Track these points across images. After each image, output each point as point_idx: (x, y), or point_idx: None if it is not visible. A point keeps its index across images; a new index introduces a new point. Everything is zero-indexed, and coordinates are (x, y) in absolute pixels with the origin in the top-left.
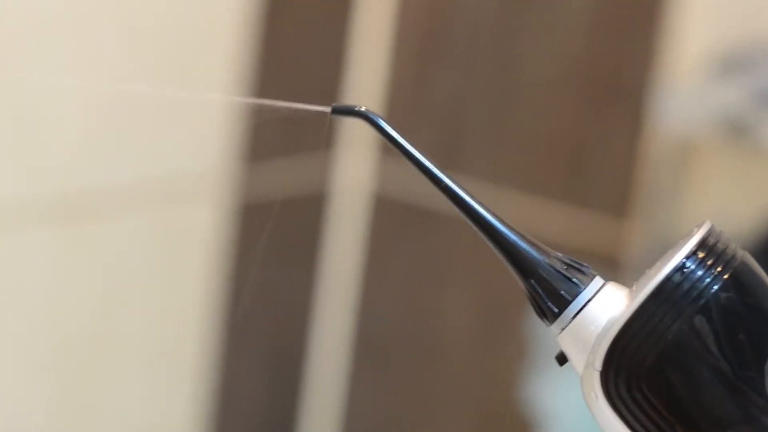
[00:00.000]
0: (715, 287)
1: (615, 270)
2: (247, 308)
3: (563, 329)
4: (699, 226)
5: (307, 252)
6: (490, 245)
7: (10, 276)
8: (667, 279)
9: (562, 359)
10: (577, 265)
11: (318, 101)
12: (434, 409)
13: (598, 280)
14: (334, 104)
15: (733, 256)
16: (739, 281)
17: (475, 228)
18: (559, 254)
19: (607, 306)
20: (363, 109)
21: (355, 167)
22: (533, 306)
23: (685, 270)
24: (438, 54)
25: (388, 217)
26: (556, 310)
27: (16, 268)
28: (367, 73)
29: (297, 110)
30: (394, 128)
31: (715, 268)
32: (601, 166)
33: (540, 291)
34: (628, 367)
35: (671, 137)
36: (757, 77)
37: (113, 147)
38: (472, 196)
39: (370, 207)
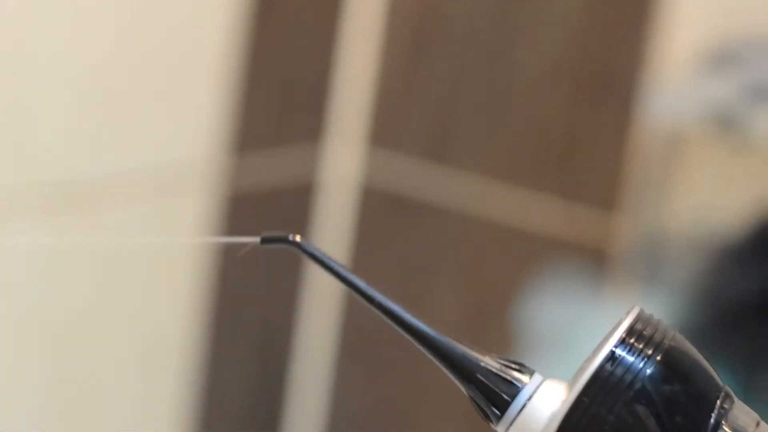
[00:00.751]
0: (648, 371)
1: (603, 263)
2: (234, 298)
3: (507, 430)
4: (627, 313)
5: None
6: (428, 355)
7: (1, 266)
8: (600, 369)
9: None
10: (514, 365)
11: (308, 97)
12: (421, 399)
13: (536, 377)
14: (263, 234)
15: (663, 338)
16: (672, 362)
17: (412, 340)
18: (496, 356)
19: (547, 402)
20: (292, 237)
21: (343, 158)
22: (476, 410)
23: (616, 358)
24: (429, 47)
25: (377, 209)
26: (498, 412)
27: (7, 257)
28: (358, 66)
29: (228, 243)
30: (323, 253)
31: (646, 352)
32: (590, 159)
33: (481, 395)
34: None
35: (660, 131)
36: (746, 72)
37: (104, 137)
38: (405, 311)
39: (359, 198)
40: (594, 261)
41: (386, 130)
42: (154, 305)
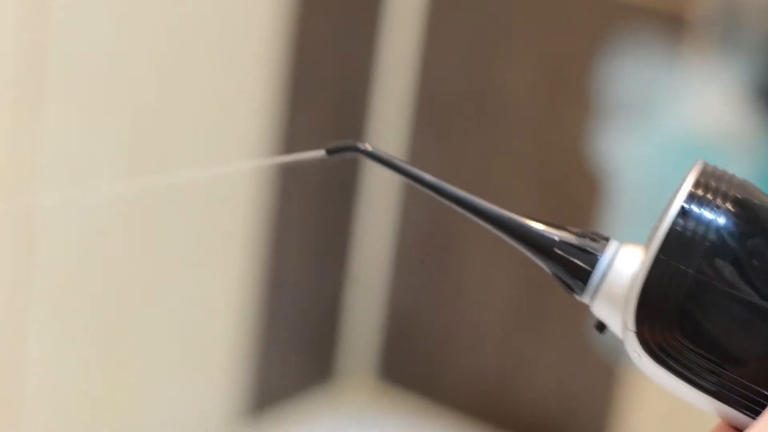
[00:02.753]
0: (720, 221)
1: (681, 27)
2: (310, 63)
3: (593, 299)
4: (691, 168)
5: (368, 12)
6: (506, 238)
7: (75, 34)
8: (673, 226)
9: (601, 327)
10: (589, 235)
11: None
12: (497, 170)
13: (613, 244)
14: (327, 147)
15: (730, 187)
16: (741, 208)
17: (489, 226)
18: (571, 228)
19: (627, 266)
20: (362, 145)
21: None
22: (561, 285)
23: (686, 213)
24: None
25: None
26: (581, 282)
27: (81, 27)
28: None
29: (294, 160)
30: (389, 155)
31: (715, 203)
32: None
33: (562, 269)
34: (659, 320)
35: None
36: None
37: None
38: (479, 199)
39: None
40: (671, 25)
41: None
42: (233, 69)
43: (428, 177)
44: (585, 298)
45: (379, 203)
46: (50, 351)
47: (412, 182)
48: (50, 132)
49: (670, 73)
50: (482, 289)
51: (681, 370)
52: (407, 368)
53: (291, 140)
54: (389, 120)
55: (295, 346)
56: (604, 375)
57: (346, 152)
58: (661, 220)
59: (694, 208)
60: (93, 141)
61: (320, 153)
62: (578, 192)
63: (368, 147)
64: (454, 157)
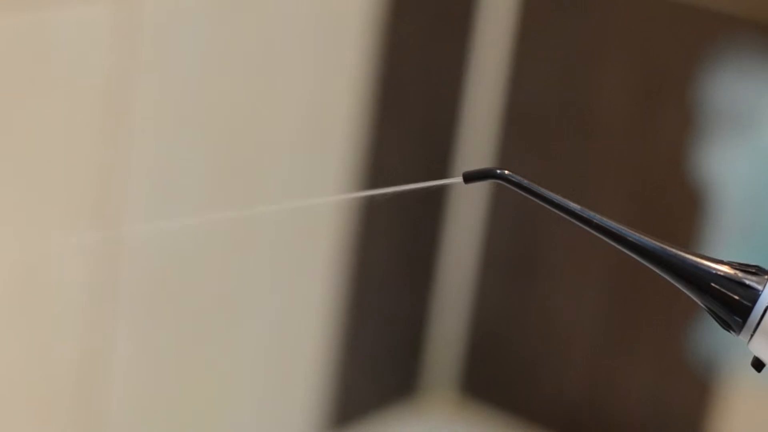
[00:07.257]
0: None
1: None
2: (400, 71)
3: (752, 336)
4: None
5: (458, 28)
6: (657, 270)
7: (164, 65)
8: None
9: (758, 365)
10: (747, 268)
11: None
12: (592, 185)
13: None
14: (464, 173)
15: None
16: None
17: (638, 257)
18: (725, 261)
19: None
20: (499, 171)
21: None
22: (716, 320)
23: None
24: None
25: None
26: (739, 319)
27: (169, 58)
28: None
29: (430, 186)
30: (532, 182)
31: None
32: None
33: (718, 304)
34: None
35: None
36: None
37: None
38: (627, 229)
39: None
40: None
41: None
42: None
43: (572, 205)
44: (743, 335)
45: (465, 216)
46: (136, 374)
47: (553, 209)
48: (138, 164)
49: None
50: (570, 302)
51: None
52: (492, 383)
53: (379, 156)
54: (479, 133)
55: (379, 359)
56: (697, 391)
57: (484, 179)
58: None
59: None
60: (181, 171)
61: (458, 179)
62: (677, 207)
63: (506, 173)
64: (545, 171)
